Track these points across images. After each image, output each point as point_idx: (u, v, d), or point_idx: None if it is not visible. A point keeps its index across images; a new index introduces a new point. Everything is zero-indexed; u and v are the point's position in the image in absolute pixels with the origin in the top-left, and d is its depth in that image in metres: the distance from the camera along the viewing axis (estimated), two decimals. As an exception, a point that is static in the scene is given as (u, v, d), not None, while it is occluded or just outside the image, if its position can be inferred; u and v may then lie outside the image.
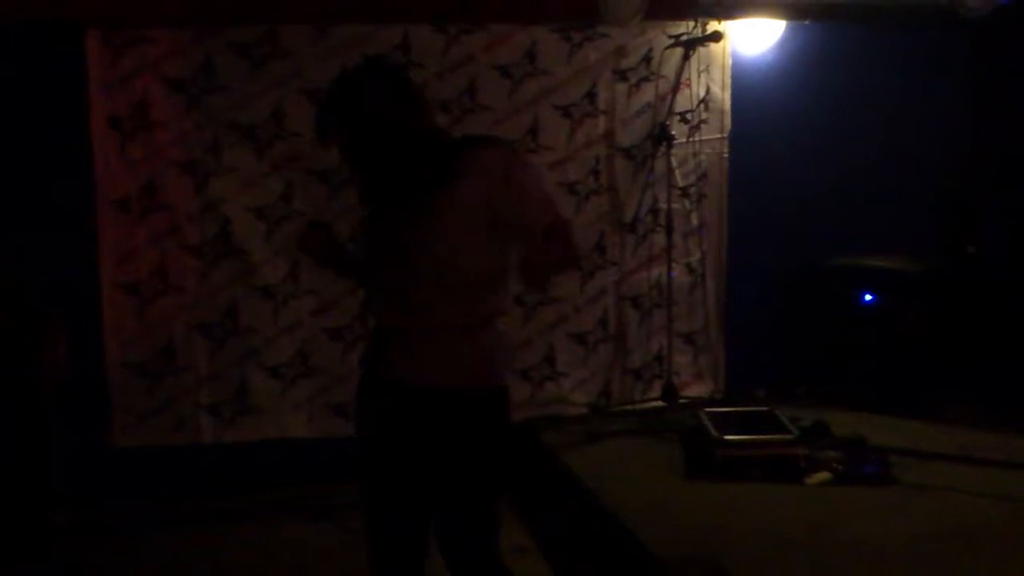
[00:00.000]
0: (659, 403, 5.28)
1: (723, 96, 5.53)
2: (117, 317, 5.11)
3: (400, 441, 2.62)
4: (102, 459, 5.05)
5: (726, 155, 5.56)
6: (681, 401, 5.23)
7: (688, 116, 5.46)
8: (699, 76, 5.45)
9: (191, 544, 4.57)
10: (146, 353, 5.15)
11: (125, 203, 5.09)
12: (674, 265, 5.33)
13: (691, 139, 5.47)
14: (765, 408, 4.65)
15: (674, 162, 5.34)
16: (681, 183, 5.47)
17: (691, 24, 5.36)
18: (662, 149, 5.24)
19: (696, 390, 5.54)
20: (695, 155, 5.50)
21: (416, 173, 2.56)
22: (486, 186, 2.51)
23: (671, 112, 5.25)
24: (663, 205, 5.37)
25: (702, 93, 5.48)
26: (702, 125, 5.51)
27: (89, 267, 5.07)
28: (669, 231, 5.27)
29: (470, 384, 2.60)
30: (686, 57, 5.22)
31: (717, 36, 5.23)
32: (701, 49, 5.32)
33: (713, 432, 4.24)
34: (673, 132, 5.21)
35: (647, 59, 5.46)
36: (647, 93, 5.46)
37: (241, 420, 5.23)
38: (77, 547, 4.48)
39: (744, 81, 5.52)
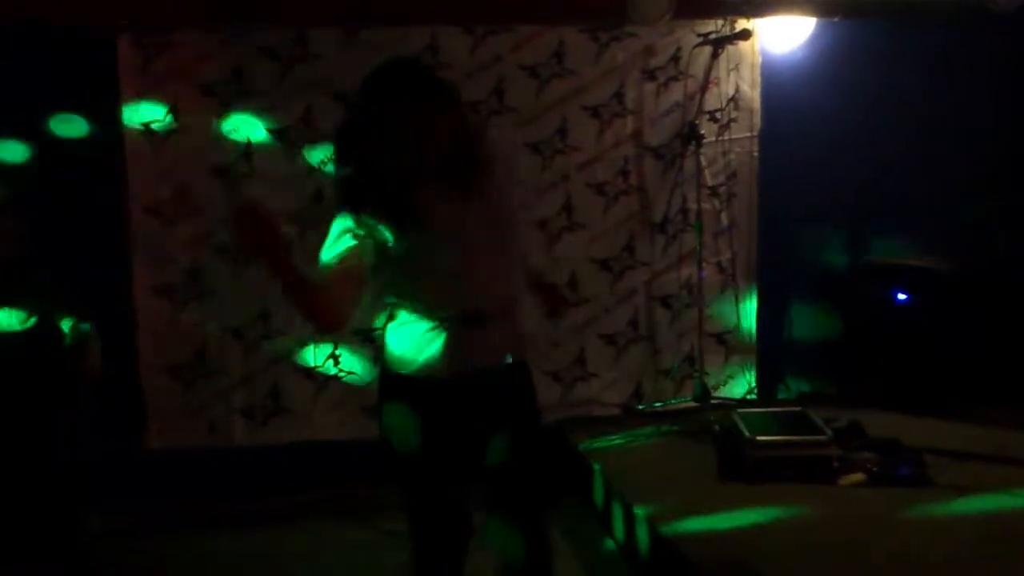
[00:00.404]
0: (691, 404, 5.27)
1: (752, 94, 5.50)
2: (151, 321, 5.16)
3: (464, 422, 2.71)
4: (136, 461, 5.10)
5: (756, 154, 5.53)
6: (713, 402, 5.21)
7: (717, 115, 5.45)
8: (728, 75, 5.44)
9: (224, 546, 4.60)
10: (179, 356, 5.20)
11: (158, 207, 5.13)
12: (704, 265, 5.31)
13: (720, 138, 5.46)
14: (798, 408, 4.62)
15: (703, 161, 5.31)
16: (711, 182, 5.46)
17: (720, 22, 5.34)
18: (691, 148, 5.20)
19: (728, 391, 5.53)
20: (724, 154, 5.48)
21: (460, 168, 2.62)
22: (506, 169, 2.78)
23: (700, 111, 5.22)
24: (693, 205, 5.36)
25: (731, 92, 5.47)
26: (731, 124, 5.49)
27: (123, 271, 5.11)
28: (699, 230, 5.25)
29: (517, 357, 2.76)
30: (715, 56, 5.19)
31: (746, 34, 5.20)
32: (730, 47, 5.29)
33: (746, 433, 4.21)
34: (702, 131, 5.18)
35: (676, 58, 5.44)
36: (676, 92, 5.45)
37: (274, 422, 5.27)
38: (112, 549, 4.51)
39: (773, 79, 5.49)
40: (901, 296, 5.29)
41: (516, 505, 2.75)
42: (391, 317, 2.78)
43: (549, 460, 2.94)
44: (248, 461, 5.24)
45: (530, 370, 2.84)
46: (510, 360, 2.73)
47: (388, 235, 2.59)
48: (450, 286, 2.64)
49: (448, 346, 2.66)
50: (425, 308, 2.69)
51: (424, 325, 2.68)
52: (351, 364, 5.29)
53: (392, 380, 2.76)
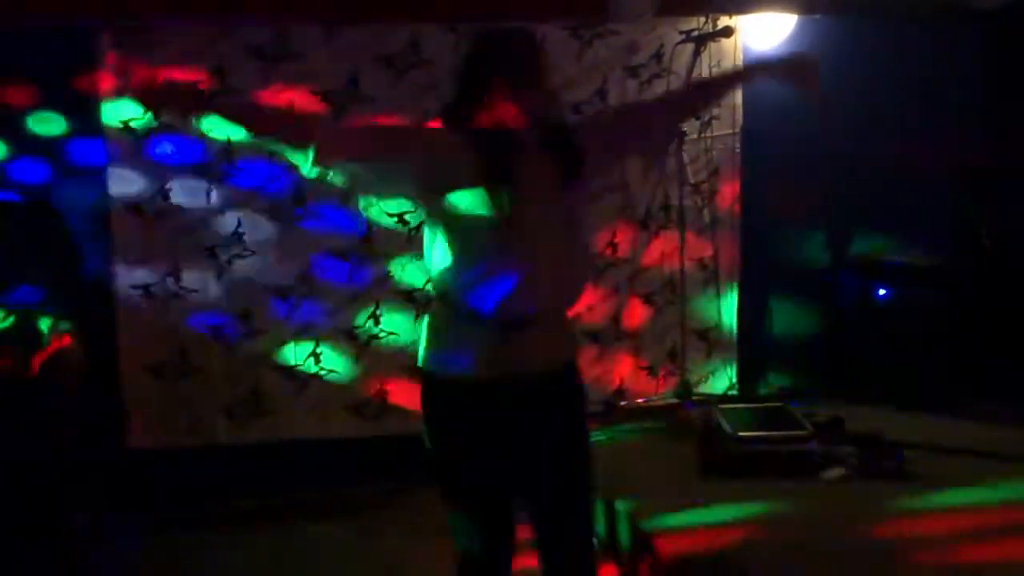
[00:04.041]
0: (673, 400, 5.28)
1: (735, 92, 5.50)
2: (131, 320, 5.14)
3: (515, 427, 2.61)
4: (118, 461, 5.07)
5: (739, 150, 5.54)
6: (695, 398, 5.22)
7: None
8: (710, 72, 5.42)
9: (206, 546, 4.58)
10: (160, 355, 5.18)
11: (139, 205, 5.11)
12: (686, 261, 5.32)
13: (703, 135, 5.46)
14: (779, 404, 4.64)
15: (686, 158, 5.31)
16: (693, 179, 5.45)
17: (702, 19, 5.35)
18: (673, 145, 5.21)
19: (710, 386, 5.54)
20: (707, 151, 5.49)
21: (550, 160, 2.57)
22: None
23: (682, 108, 5.22)
24: (675, 201, 5.36)
25: (714, 89, 5.46)
26: (713, 121, 5.49)
27: (104, 269, 5.09)
28: (682, 227, 5.26)
29: (569, 358, 2.72)
30: (697, 53, 5.18)
31: (728, 31, 5.21)
32: (712, 44, 5.29)
33: (728, 429, 4.22)
34: (684, 128, 5.18)
35: (658, 55, 5.44)
36: (658, 89, 5.44)
37: (256, 422, 5.25)
38: (94, 549, 4.50)
39: (756, 76, 5.50)
40: (883, 291, 5.31)
41: (548, 531, 2.70)
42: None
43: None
44: (231, 461, 5.22)
45: (578, 373, 2.77)
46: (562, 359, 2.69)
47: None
48: (492, 283, 2.54)
49: (484, 346, 2.58)
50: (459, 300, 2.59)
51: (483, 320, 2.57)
52: (332, 362, 5.28)
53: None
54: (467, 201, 2.47)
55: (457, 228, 2.51)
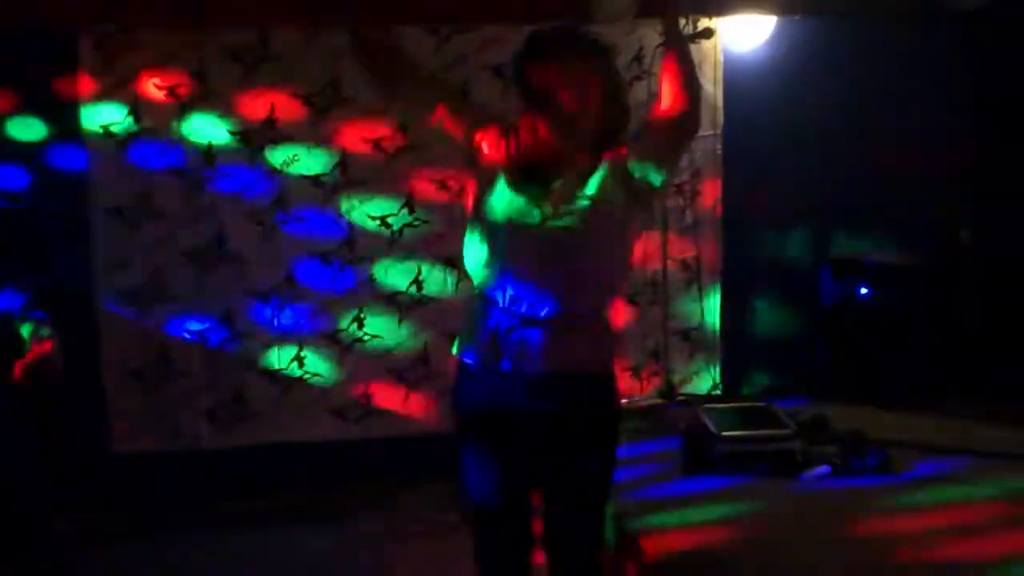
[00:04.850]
0: (656, 400, 5.29)
1: (715, 93, 5.53)
2: (113, 324, 5.11)
3: (534, 431, 2.69)
4: (102, 465, 5.05)
5: (720, 151, 5.55)
6: (679, 398, 5.23)
7: (681, 113, 5.45)
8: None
9: (191, 550, 4.57)
10: (142, 360, 5.15)
11: (120, 210, 5.09)
12: (669, 262, 5.33)
13: (684, 136, 5.47)
14: (763, 403, 4.65)
15: (668, 159, 5.32)
16: (675, 180, 5.47)
17: (682, 21, 5.34)
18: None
19: (693, 387, 5.55)
20: (688, 152, 5.50)
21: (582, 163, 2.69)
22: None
23: (663, 110, 5.23)
24: (657, 202, 5.38)
25: (695, 90, 5.47)
26: (695, 122, 5.50)
27: (85, 274, 5.07)
28: (664, 227, 5.27)
29: (596, 369, 2.77)
30: (677, 54, 5.19)
31: (708, 33, 5.22)
32: (692, 46, 5.30)
33: (711, 428, 4.23)
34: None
35: (638, 57, 5.46)
36: (639, 91, 5.44)
37: (240, 425, 5.23)
38: (77, 554, 4.48)
39: (736, 77, 5.52)
40: (864, 291, 5.34)
41: (557, 531, 2.76)
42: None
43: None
44: (215, 465, 5.20)
45: (612, 389, 2.86)
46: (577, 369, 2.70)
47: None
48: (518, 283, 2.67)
49: (504, 347, 2.67)
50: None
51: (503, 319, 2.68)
52: (316, 366, 5.27)
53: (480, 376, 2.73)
54: (500, 202, 2.66)
55: (489, 226, 2.66)
